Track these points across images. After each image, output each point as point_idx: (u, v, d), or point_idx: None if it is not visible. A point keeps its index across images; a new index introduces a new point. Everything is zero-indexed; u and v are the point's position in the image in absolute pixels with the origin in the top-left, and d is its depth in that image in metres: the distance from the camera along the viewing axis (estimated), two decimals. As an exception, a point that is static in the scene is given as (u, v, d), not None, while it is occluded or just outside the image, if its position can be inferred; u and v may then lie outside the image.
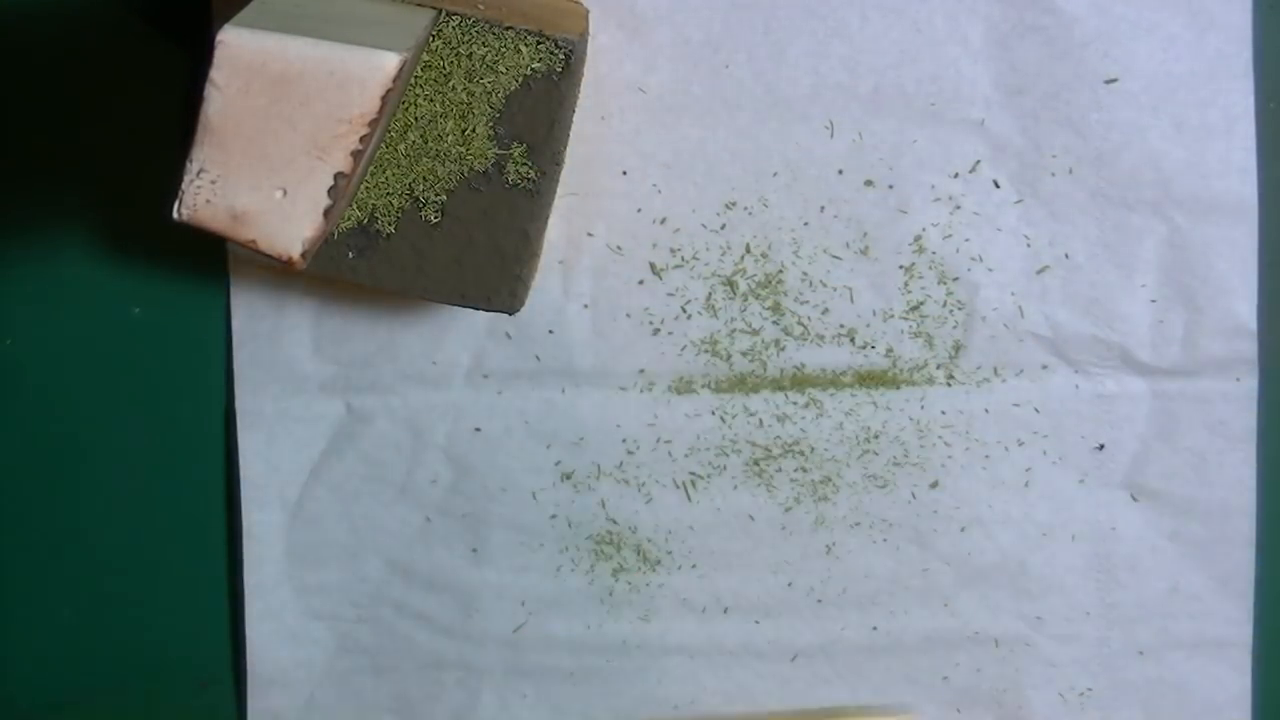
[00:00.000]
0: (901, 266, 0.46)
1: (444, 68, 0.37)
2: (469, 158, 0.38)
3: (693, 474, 0.47)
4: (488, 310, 0.40)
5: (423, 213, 0.38)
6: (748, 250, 0.46)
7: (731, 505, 0.47)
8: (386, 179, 0.37)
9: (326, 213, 0.30)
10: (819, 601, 0.48)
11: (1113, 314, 0.46)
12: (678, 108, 0.45)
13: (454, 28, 0.36)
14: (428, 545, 0.48)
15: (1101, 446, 0.47)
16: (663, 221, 0.45)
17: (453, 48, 0.36)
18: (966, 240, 0.45)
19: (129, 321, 0.47)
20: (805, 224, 0.45)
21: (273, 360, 0.46)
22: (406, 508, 0.47)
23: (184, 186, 0.29)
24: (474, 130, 0.37)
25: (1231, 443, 0.46)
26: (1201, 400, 0.46)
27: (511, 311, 0.40)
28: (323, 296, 0.46)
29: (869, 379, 0.46)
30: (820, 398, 0.46)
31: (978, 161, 0.45)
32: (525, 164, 0.38)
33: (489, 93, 0.37)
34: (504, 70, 0.37)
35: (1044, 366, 0.46)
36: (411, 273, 0.39)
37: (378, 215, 0.38)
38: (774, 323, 0.46)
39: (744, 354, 0.46)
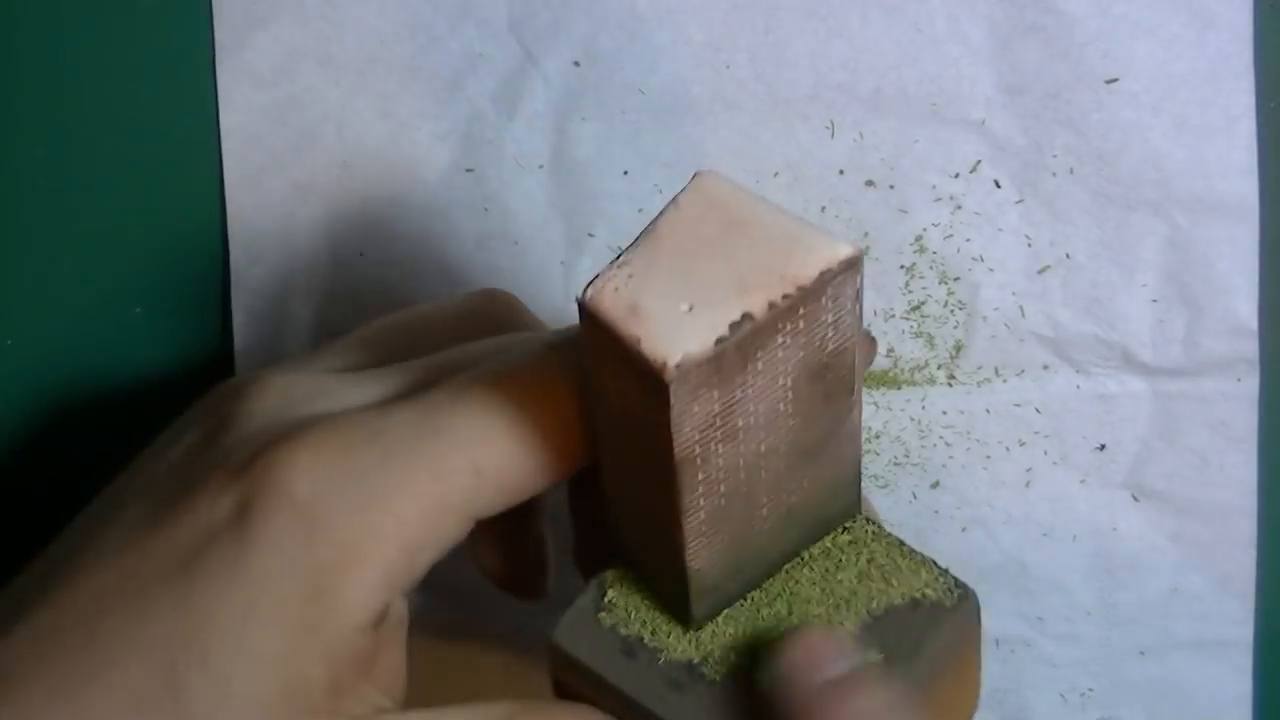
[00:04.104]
0: (902, 266, 0.46)
1: (840, 561, 0.36)
2: None
3: (693, 474, 0.47)
4: None
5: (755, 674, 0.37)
6: (748, 250, 0.46)
7: (732, 505, 0.47)
8: (737, 632, 0.36)
9: (719, 341, 0.29)
10: (820, 602, 0.48)
11: (1114, 314, 0.45)
12: (678, 108, 0.45)
13: (867, 531, 0.36)
14: (428, 545, 0.48)
15: (1103, 447, 0.47)
16: (663, 221, 0.45)
17: (856, 547, 0.36)
18: (967, 240, 0.45)
19: (129, 321, 0.47)
20: None
21: (273, 361, 0.46)
22: (407, 508, 0.47)
23: (603, 272, 0.29)
24: (842, 624, 0.36)
25: (1233, 443, 0.46)
26: (1203, 400, 0.46)
27: None
28: (323, 297, 0.46)
29: (870, 379, 0.46)
30: (821, 398, 0.46)
31: (978, 161, 0.45)
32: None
33: (872, 598, 0.36)
34: (896, 585, 0.36)
35: (1045, 366, 0.46)
36: None
37: (710, 661, 0.36)
38: (775, 323, 0.46)
39: (744, 354, 0.46)
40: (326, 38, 0.45)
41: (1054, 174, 0.45)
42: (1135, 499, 0.47)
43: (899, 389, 0.47)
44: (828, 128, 0.45)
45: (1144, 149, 0.44)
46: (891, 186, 0.45)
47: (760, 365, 0.30)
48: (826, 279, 0.29)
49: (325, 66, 0.45)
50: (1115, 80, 0.44)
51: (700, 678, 0.35)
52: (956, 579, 0.36)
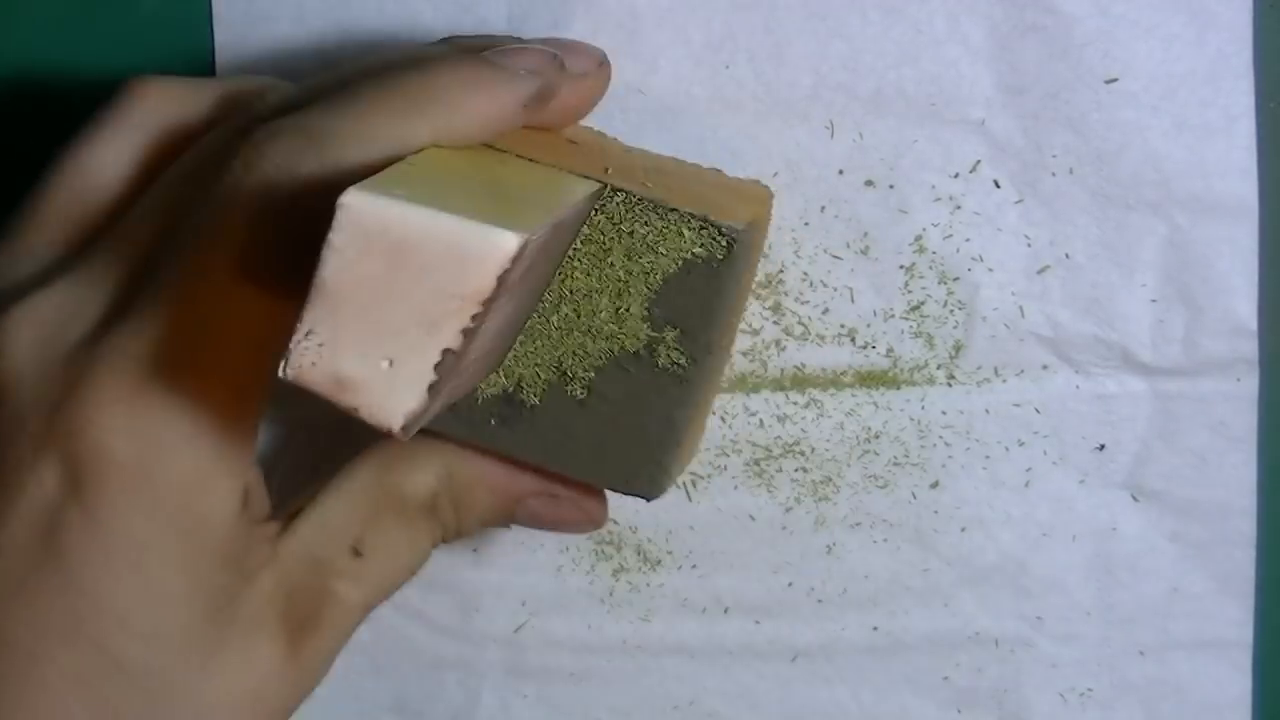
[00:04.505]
0: (902, 266, 0.46)
1: (604, 244, 0.36)
2: (620, 336, 0.36)
3: (693, 474, 0.47)
4: (626, 493, 0.39)
5: (569, 388, 0.37)
6: (748, 250, 0.46)
7: (732, 505, 0.48)
8: (536, 349, 0.36)
9: (431, 388, 0.29)
10: (819, 601, 0.48)
11: (1113, 314, 0.45)
12: (678, 108, 0.45)
13: (618, 204, 0.36)
14: (428, 545, 0.48)
15: (1102, 447, 0.47)
16: (663, 221, 0.45)
17: (615, 224, 0.36)
18: (967, 240, 0.45)
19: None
20: (806, 224, 0.45)
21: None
22: (407, 508, 0.47)
23: (291, 346, 0.28)
24: (628, 310, 0.36)
25: (1232, 443, 0.46)
26: (1202, 400, 0.46)
27: (650, 497, 0.39)
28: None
29: (869, 379, 0.46)
30: (821, 398, 0.46)
31: (978, 161, 0.45)
32: (677, 349, 0.37)
33: (647, 273, 0.36)
34: (664, 252, 0.36)
35: (1044, 366, 0.46)
36: (553, 448, 0.37)
37: (524, 386, 0.36)
38: (774, 323, 0.46)
39: (744, 354, 0.46)
40: (326, 38, 0.45)
41: (1053, 174, 0.45)
42: (1135, 499, 0.47)
43: (899, 389, 0.47)
44: (827, 128, 0.45)
45: (1143, 149, 0.44)
46: (891, 186, 0.45)
47: (476, 341, 0.30)
48: (508, 278, 0.29)
49: (325, 66, 0.45)
50: (1115, 80, 0.44)
51: (521, 405, 0.36)
52: (719, 225, 0.36)
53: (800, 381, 0.46)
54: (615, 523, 0.48)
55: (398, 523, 0.37)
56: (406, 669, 0.48)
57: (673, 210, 0.36)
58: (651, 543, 0.48)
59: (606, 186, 0.36)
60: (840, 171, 0.45)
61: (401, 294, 0.28)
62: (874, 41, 0.44)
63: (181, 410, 0.32)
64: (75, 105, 0.46)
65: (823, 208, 0.45)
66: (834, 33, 0.44)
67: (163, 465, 0.32)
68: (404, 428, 0.29)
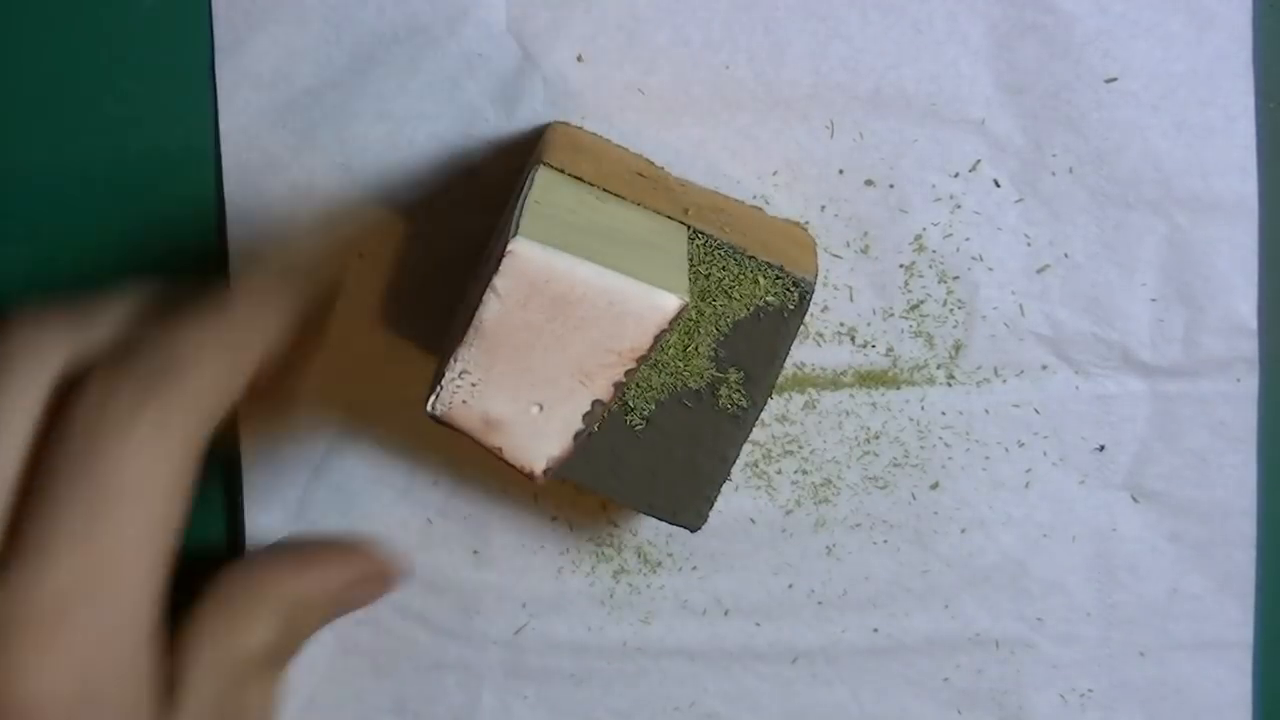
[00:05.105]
0: (902, 265, 0.46)
1: None
2: (685, 373, 0.38)
3: (693, 475, 0.47)
4: (671, 524, 0.40)
5: (628, 418, 0.38)
6: (748, 250, 0.46)
7: (732, 507, 0.47)
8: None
9: (577, 436, 0.30)
10: (819, 603, 0.48)
11: (1113, 313, 0.46)
12: (678, 108, 0.45)
13: (699, 246, 0.37)
14: (429, 547, 0.48)
15: (1102, 447, 0.47)
16: (663, 222, 0.45)
17: (694, 266, 0.37)
18: (967, 239, 0.45)
19: (128, 322, 0.47)
20: (806, 223, 0.45)
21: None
22: (408, 509, 0.47)
23: (444, 383, 0.30)
24: (696, 349, 0.37)
25: (1232, 443, 0.46)
26: (1202, 401, 0.46)
27: (695, 529, 0.40)
28: (323, 297, 0.46)
29: (869, 378, 0.46)
30: (820, 397, 0.46)
31: (978, 161, 0.45)
32: (739, 391, 0.38)
33: (719, 315, 0.37)
34: (738, 297, 0.37)
35: (1044, 367, 0.46)
36: (604, 473, 0.39)
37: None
38: (774, 323, 0.46)
39: (744, 354, 0.46)
40: (326, 39, 0.45)
41: (1053, 173, 0.45)
42: (1135, 500, 0.47)
43: (898, 389, 0.47)
44: (827, 127, 0.45)
45: (1143, 148, 0.44)
46: (891, 186, 0.45)
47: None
48: (661, 335, 0.30)
49: (325, 68, 0.45)
50: (1114, 80, 0.44)
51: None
52: (794, 276, 0.37)
53: (800, 381, 0.46)
54: (615, 525, 0.47)
55: (254, 682, 0.41)
56: (407, 670, 0.48)
57: (751, 257, 0.37)
58: (652, 545, 0.48)
59: (690, 228, 0.37)
60: (840, 171, 0.45)
61: (558, 343, 0.30)
62: (874, 41, 0.44)
63: (94, 624, 0.34)
64: (73, 105, 0.46)
65: (823, 207, 0.45)
66: (834, 33, 0.44)
67: (98, 690, 0.34)
68: (545, 470, 0.30)
